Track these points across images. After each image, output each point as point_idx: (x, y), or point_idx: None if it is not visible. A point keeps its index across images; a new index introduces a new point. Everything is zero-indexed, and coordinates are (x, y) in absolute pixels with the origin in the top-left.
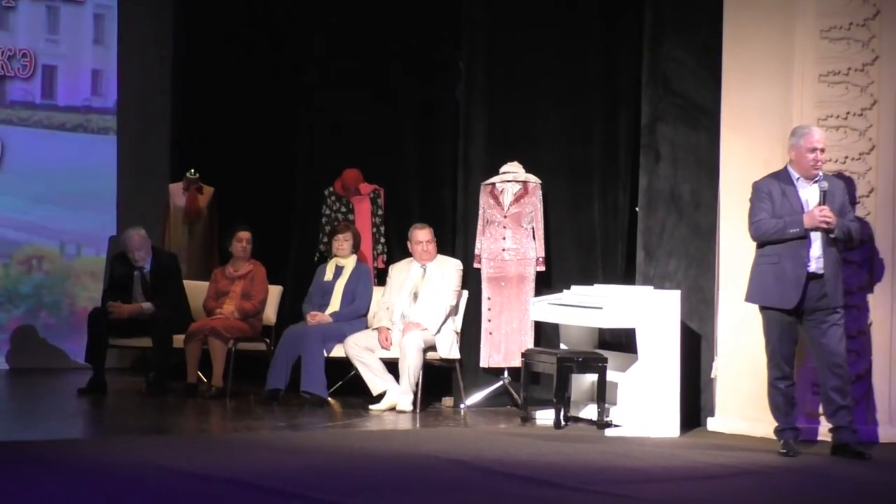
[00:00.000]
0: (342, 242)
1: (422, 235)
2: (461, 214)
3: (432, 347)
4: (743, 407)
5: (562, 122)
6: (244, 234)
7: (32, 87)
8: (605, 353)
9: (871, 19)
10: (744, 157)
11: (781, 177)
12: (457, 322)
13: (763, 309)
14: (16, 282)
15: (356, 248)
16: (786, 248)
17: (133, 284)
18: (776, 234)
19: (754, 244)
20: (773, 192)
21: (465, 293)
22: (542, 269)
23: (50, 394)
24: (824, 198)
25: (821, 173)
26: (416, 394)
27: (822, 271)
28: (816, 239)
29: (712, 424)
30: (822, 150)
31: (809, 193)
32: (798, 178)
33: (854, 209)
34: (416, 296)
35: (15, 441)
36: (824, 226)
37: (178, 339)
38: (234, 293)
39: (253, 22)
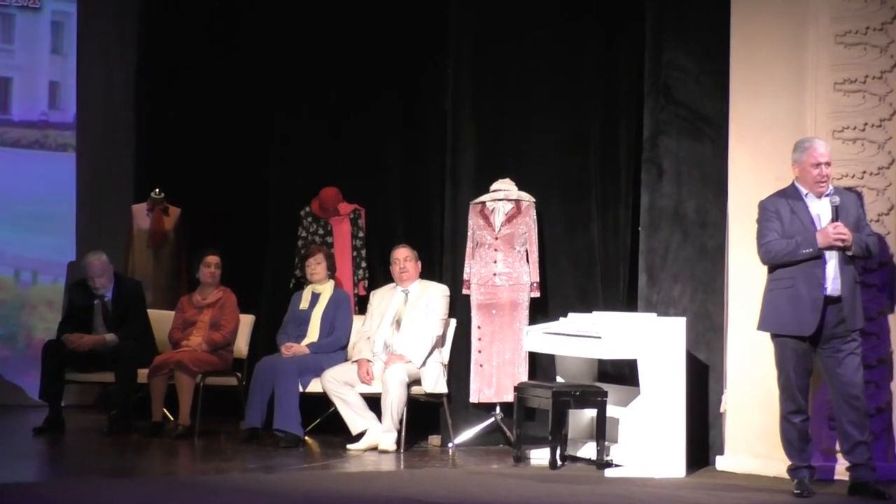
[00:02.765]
0: (314, 266)
1: (399, 254)
2: (449, 236)
3: (417, 381)
4: (754, 444)
5: (557, 135)
6: (213, 259)
7: None
8: (605, 386)
9: (889, 23)
10: (753, 173)
11: (789, 193)
12: (444, 354)
13: (776, 336)
14: None
15: (332, 273)
16: (799, 269)
17: (93, 314)
18: (788, 255)
19: (766, 267)
20: (781, 210)
21: (453, 322)
22: (537, 295)
23: (4, 433)
24: (837, 213)
25: (831, 187)
26: (399, 432)
27: (838, 293)
28: (832, 258)
29: (721, 463)
30: (828, 164)
31: (821, 209)
32: (807, 194)
33: (868, 225)
34: (398, 324)
35: None
36: (839, 244)
37: (143, 374)
38: (203, 323)
39: (223, 28)
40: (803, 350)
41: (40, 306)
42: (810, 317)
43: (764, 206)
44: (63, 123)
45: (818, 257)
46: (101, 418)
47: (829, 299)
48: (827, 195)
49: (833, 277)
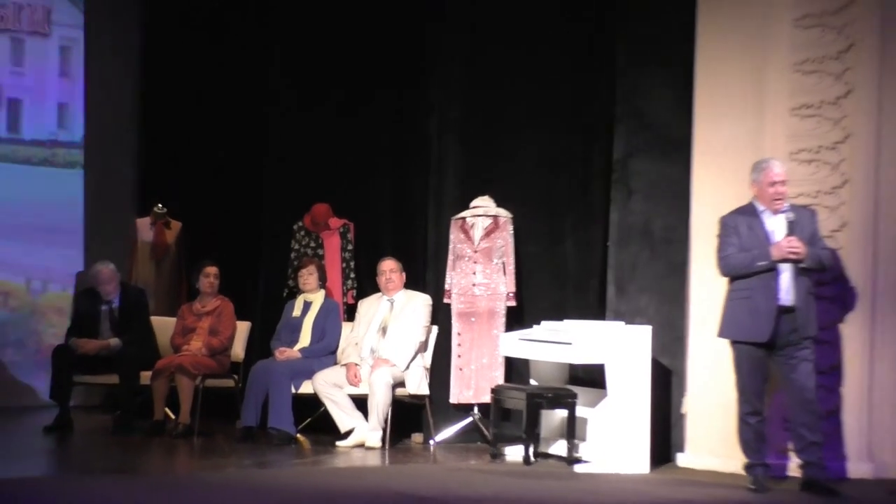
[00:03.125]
0: (307, 277)
1: (385, 265)
2: (432, 249)
3: (401, 384)
4: (713, 443)
5: (534, 155)
6: (211, 270)
7: None
8: (575, 388)
9: (845, 52)
10: (715, 192)
11: (747, 210)
12: (426, 358)
13: (734, 343)
14: None
15: (322, 283)
16: (756, 280)
17: (100, 320)
18: (745, 268)
19: (726, 280)
20: (739, 226)
21: (435, 328)
22: (513, 304)
23: (16, 431)
24: (792, 228)
25: (787, 204)
26: (385, 430)
27: (792, 303)
28: (786, 270)
29: (682, 460)
30: (783, 183)
31: (776, 224)
32: (763, 211)
33: (822, 240)
34: (384, 331)
35: None
36: (792, 256)
37: (145, 376)
38: (202, 329)
39: (221, 54)
40: (759, 356)
41: (50, 313)
42: (765, 325)
43: (724, 223)
44: (71, 142)
45: (773, 269)
46: (106, 418)
47: (783, 309)
48: (783, 212)
49: (787, 289)
